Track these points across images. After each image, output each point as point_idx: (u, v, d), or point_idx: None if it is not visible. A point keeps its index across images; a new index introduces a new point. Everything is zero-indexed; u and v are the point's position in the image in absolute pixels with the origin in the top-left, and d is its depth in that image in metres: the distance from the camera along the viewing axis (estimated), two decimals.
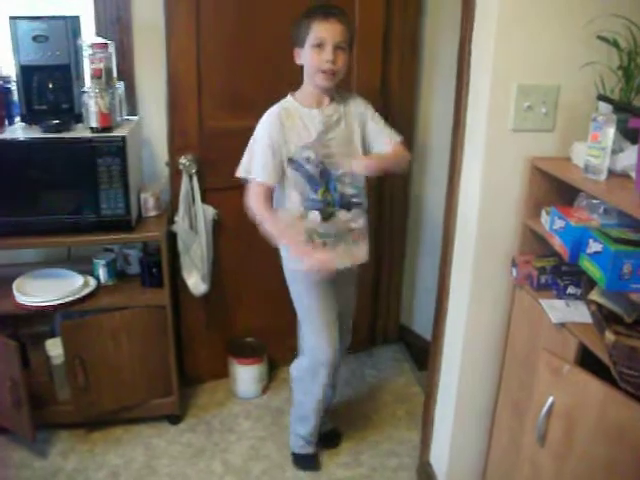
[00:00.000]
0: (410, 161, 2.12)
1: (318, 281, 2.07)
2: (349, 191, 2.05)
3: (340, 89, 2.06)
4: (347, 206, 2.06)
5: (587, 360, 1.44)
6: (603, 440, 1.34)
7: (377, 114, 2.09)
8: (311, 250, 1.96)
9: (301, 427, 2.34)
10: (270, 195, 2.03)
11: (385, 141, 2.06)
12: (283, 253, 2.12)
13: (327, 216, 2.04)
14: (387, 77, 2.69)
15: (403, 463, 2.39)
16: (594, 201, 1.52)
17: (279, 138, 1.97)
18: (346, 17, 1.95)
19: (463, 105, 1.82)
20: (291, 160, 1.99)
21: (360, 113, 2.06)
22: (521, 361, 1.77)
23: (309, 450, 2.39)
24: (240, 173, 2.03)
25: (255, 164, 2.00)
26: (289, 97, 2.03)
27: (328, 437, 2.48)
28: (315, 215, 2.04)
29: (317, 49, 1.91)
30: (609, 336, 1.32)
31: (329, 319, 2.15)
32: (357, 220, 2.10)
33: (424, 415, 2.27)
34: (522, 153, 1.71)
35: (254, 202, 1.99)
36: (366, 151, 2.07)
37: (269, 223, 1.96)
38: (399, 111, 2.76)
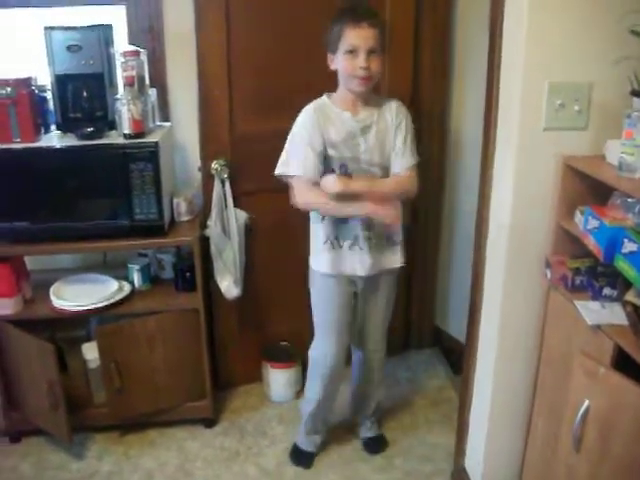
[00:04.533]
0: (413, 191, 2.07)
1: (335, 287, 2.13)
2: None
3: (379, 94, 2.06)
4: None
5: (624, 363, 1.40)
6: None
7: (409, 129, 2.06)
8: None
9: (303, 418, 2.41)
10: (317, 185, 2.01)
11: (397, 166, 2.04)
12: (312, 251, 2.16)
13: (345, 218, 2.04)
14: (418, 78, 2.67)
15: (438, 468, 2.36)
16: (629, 200, 1.48)
17: (315, 131, 1.97)
18: (378, 19, 1.93)
19: (494, 104, 1.80)
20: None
21: (396, 122, 2.03)
22: (556, 364, 1.73)
23: (304, 446, 2.42)
24: (278, 170, 2.03)
25: (294, 161, 2.00)
26: (324, 97, 2.04)
27: (371, 442, 2.47)
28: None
29: (350, 55, 1.90)
30: None
31: (338, 327, 2.20)
32: (374, 228, 2.06)
33: (459, 420, 2.24)
34: (555, 152, 1.68)
35: (304, 197, 2.00)
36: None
37: (332, 204, 1.97)
38: (431, 112, 2.74)
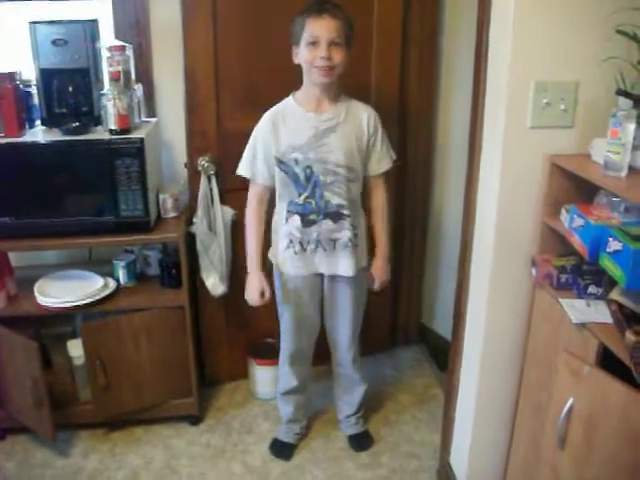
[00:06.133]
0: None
1: (295, 287, 2.18)
2: (336, 201, 2.03)
3: (350, 96, 2.06)
4: (332, 216, 2.05)
5: (608, 361, 1.41)
6: (624, 443, 1.31)
7: (385, 136, 2.10)
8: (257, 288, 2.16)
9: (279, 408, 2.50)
10: (266, 197, 2.12)
11: (375, 169, 2.11)
12: (275, 248, 2.20)
13: (308, 223, 2.05)
14: (406, 76, 2.66)
15: (423, 465, 2.36)
16: (614, 199, 1.49)
17: (267, 138, 2.01)
18: (341, 12, 1.92)
19: (480, 103, 1.80)
20: (280, 161, 2.01)
21: (372, 128, 2.05)
22: (541, 362, 1.74)
23: (283, 437, 2.45)
24: (238, 171, 2.11)
25: (243, 161, 2.08)
26: (289, 97, 2.05)
27: (357, 439, 2.48)
28: (296, 219, 2.06)
29: (312, 46, 1.90)
30: (629, 336, 1.29)
31: (298, 326, 2.26)
32: (341, 231, 2.07)
33: (444, 416, 2.25)
34: (541, 150, 1.68)
35: (248, 209, 2.15)
36: (364, 165, 2.10)
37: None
38: (418, 110, 2.74)
